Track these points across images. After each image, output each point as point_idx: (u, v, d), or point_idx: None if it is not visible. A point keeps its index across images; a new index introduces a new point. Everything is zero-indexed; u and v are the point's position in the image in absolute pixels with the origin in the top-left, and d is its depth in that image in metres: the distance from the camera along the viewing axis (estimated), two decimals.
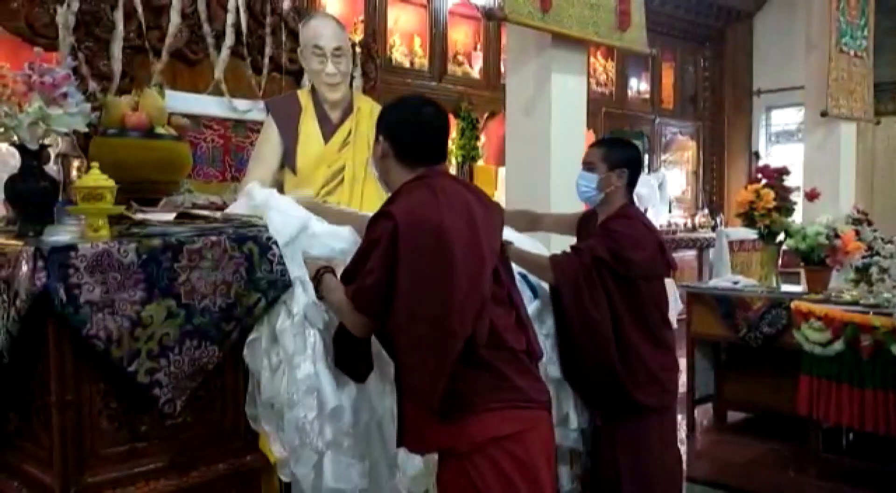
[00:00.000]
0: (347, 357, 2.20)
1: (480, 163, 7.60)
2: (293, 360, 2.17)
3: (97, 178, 2.09)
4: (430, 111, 2.15)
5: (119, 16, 3.21)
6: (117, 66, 3.20)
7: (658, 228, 9.31)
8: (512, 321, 2.13)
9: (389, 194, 2.18)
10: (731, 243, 6.32)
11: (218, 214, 2.44)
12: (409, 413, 2.11)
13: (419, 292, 1.96)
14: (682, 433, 4.99)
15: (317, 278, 2.20)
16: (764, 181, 4.74)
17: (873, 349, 3.78)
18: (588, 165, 2.86)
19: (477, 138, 7.49)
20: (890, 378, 3.74)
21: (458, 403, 1.99)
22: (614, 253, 2.68)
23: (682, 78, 10.35)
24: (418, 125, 2.13)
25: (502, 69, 7.54)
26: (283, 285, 2.25)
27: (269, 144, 2.97)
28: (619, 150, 2.88)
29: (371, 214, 2.18)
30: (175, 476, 2.12)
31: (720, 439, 4.94)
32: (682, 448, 4.44)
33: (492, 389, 2.02)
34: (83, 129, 2.33)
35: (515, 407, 2.04)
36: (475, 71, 7.78)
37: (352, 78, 3.25)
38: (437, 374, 1.96)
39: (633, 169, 2.88)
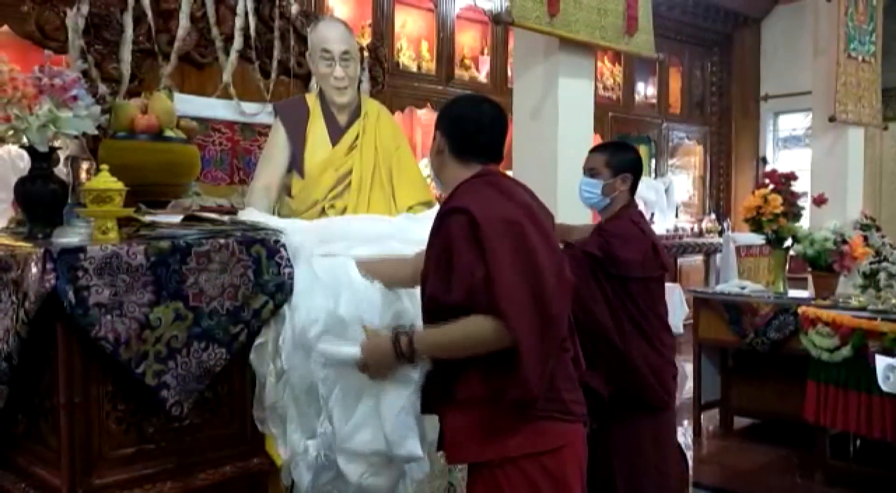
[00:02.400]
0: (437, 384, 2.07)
1: None
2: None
3: (106, 180, 2.10)
4: (489, 109, 2.11)
5: (128, 19, 3.22)
6: (126, 70, 3.21)
7: (665, 231, 9.35)
8: (568, 326, 2.06)
9: (443, 191, 2.13)
10: (738, 249, 6.32)
11: (226, 217, 2.45)
12: (452, 421, 2.03)
13: (520, 281, 1.85)
14: (688, 438, 4.98)
15: (406, 340, 2.00)
16: (771, 186, 4.73)
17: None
18: (591, 171, 2.87)
19: None
20: None
21: (502, 407, 1.90)
22: (604, 251, 2.71)
23: (689, 83, 10.34)
24: (476, 122, 2.08)
25: (509, 73, 7.54)
26: (290, 288, 2.25)
27: (277, 148, 2.97)
28: (621, 155, 2.89)
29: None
30: (182, 479, 2.13)
31: (727, 444, 4.92)
32: (689, 454, 4.43)
33: (542, 398, 1.91)
34: (92, 131, 2.34)
35: (556, 420, 1.97)
36: (482, 75, 7.78)
37: (359, 82, 3.25)
38: (547, 361, 1.88)
39: (636, 173, 2.89)
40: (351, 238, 2.47)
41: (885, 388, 1.95)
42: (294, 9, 3.84)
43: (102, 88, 3.10)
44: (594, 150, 2.98)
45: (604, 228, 2.81)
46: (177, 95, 3.32)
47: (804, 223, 4.92)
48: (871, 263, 4.46)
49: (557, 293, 1.91)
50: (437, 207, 3.05)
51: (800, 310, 4.23)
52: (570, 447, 1.99)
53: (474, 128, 2.08)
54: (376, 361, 2.05)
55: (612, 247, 2.71)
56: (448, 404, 2.03)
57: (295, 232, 2.39)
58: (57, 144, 2.28)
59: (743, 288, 4.94)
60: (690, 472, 3.50)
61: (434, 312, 1.99)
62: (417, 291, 2.28)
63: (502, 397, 1.88)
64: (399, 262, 2.33)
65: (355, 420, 2.17)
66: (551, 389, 1.93)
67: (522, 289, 1.85)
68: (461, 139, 2.08)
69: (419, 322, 2.28)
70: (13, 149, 4.39)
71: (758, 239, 5.13)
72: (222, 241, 2.16)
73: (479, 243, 1.87)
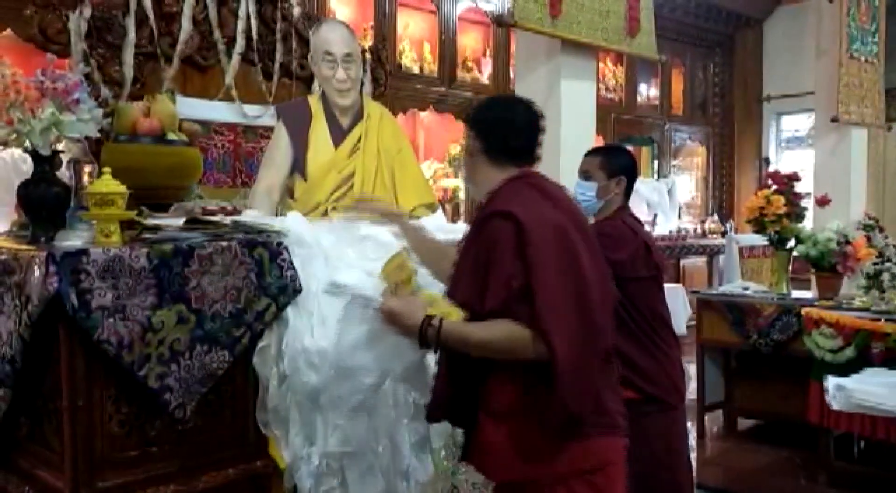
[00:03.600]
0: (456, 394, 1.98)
1: None
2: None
3: (109, 183, 2.10)
4: (522, 110, 2.05)
5: (131, 22, 3.22)
6: (129, 73, 3.21)
7: (668, 233, 9.34)
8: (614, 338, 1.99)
9: (477, 194, 2.08)
10: (741, 250, 6.31)
11: (228, 220, 2.45)
12: (491, 435, 1.92)
13: (563, 291, 1.79)
14: (692, 439, 4.97)
15: (436, 327, 1.87)
16: (774, 187, 4.73)
17: (884, 356, 3.76)
18: (585, 174, 2.87)
19: None
20: None
21: (544, 424, 1.81)
22: None
23: (691, 84, 10.33)
24: (509, 123, 2.02)
25: (512, 75, 7.53)
26: (293, 290, 2.26)
27: (279, 150, 2.97)
28: (616, 157, 2.90)
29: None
30: (185, 481, 2.13)
31: (730, 446, 4.92)
32: (693, 455, 4.43)
33: (589, 412, 1.83)
34: (95, 134, 2.34)
35: (605, 434, 1.89)
36: (484, 77, 7.78)
37: (362, 84, 3.25)
38: (593, 376, 1.81)
39: (631, 176, 2.89)
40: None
41: (834, 407, 1.96)
42: (296, 11, 3.84)
43: (105, 91, 3.10)
44: (589, 153, 2.98)
45: (595, 230, 2.81)
46: (179, 98, 3.32)
47: (807, 224, 4.91)
48: (874, 263, 4.45)
49: (602, 303, 1.85)
50: (440, 211, 3.08)
51: (803, 311, 4.22)
52: (619, 463, 1.92)
53: (508, 130, 2.02)
54: (400, 320, 1.93)
55: (603, 248, 2.70)
56: (480, 415, 1.93)
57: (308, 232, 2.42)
58: (59, 147, 2.28)
59: (746, 289, 4.93)
60: (694, 473, 3.49)
61: (474, 318, 1.89)
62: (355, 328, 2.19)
63: (542, 414, 1.80)
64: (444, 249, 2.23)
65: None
66: (599, 402, 1.86)
67: (567, 300, 1.79)
68: (494, 141, 2.02)
69: None
70: (16, 152, 4.38)
71: (761, 240, 5.12)
72: (225, 243, 2.16)
73: (523, 250, 1.79)
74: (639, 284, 2.75)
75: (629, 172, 2.88)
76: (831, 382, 2.00)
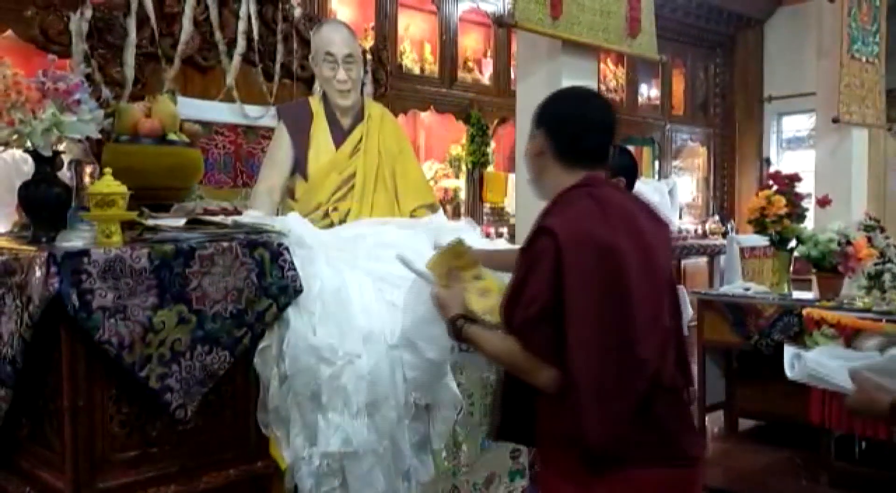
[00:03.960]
0: (514, 415, 1.94)
1: (490, 169, 7.60)
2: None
3: (110, 184, 2.11)
4: (599, 105, 1.89)
5: (132, 23, 3.23)
6: (130, 73, 3.22)
7: None
8: (678, 359, 1.84)
9: (542, 197, 1.94)
10: (742, 250, 6.29)
11: (229, 220, 2.45)
12: (551, 471, 1.86)
13: (595, 319, 1.67)
14: None
15: (458, 328, 1.95)
16: (775, 188, 4.72)
17: None
18: None
19: (487, 145, 7.50)
20: None
21: (618, 454, 1.70)
22: None
23: (692, 84, 10.32)
24: (585, 121, 1.86)
25: (512, 76, 7.53)
26: (293, 290, 2.26)
27: (280, 151, 2.98)
28: (616, 158, 2.89)
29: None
30: (185, 482, 2.13)
31: (731, 446, 4.91)
32: None
33: (646, 441, 1.73)
34: (96, 135, 2.34)
35: (668, 465, 1.75)
36: (485, 77, 7.78)
37: (362, 84, 3.25)
38: (621, 410, 1.68)
39: (630, 176, 2.88)
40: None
41: (790, 376, 1.95)
42: (297, 12, 3.85)
43: (106, 92, 3.11)
44: None
45: None
46: (180, 99, 3.33)
47: (808, 224, 4.90)
48: (875, 264, 4.44)
49: (650, 331, 1.71)
50: (440, 212, 3.08)
51: (804, 311, 4.22)
52: None
53: (582, 128, 1.85)
54: (442, 311, 2.02)
55: None
56: (531, 435, 1.90)
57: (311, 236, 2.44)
58: (60, 147, 2.29)
59: (747, 290, 4.92)
60: None
61: (506, 330, 1.85)
62: (421, 305, 2.27)
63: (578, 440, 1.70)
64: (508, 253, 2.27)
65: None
66: (660, 431, 1.75)
67: (598, 331, 1.67)
68: (567, 141, 1.85)
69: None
70: (17, 153, 4.38)
71: (762, 240, 5.11)
72: (225, 244, 2.16)
73: (559, 272, 1.68)
74: None
75: (629, 172, 2.87)
76: (788, 351, 1.99)
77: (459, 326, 1.95)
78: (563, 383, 1.71)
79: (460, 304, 2.00)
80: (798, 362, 1.94)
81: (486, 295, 2.06)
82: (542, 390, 1.76)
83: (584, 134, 1.86)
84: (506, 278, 2.03)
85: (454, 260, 2.14)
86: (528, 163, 1.97)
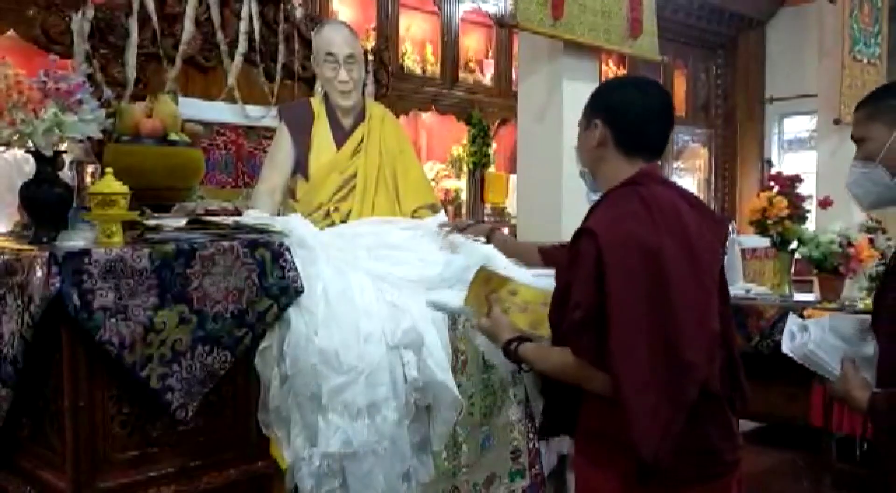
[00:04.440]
0: (559, 409, 1.95)
1: (492, 170, 7.60)
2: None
3: (111, 184, 2.11)
4: (659, 93, 1.84)
5: (133, 23, 3.23)
6: (131, 73, 3.22)
7: None
8: (726, 363, 1.82)
9: (596, 190, 1.91)
10: (743, 251, 6.29)
11: (230, 220, 2.45)
12: (599, 478, 1.78)
13: (639, 322, 1.61)
14: None
15: (513, 351, 1.91)
16: (776, 189, 4.72)
17: None
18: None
19: (488, 145, 7.50)
20: None
21: (644, 469, 1.64)
22: None
23: (693, 85, 10.32)
24: (647, 109, 1.80)
25: (514, 76, 7.53)
26: (295, 291, 2.26)
27: (281, 151, 2.98)
28: None
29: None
30: (186, 482, 2.13)
31: None
32: None
33: (686, 452, 1.66)
34: (97, 135, 2.34)
35: (706, 477, 1.74)
36: (487, 78, 7.78)
37: (364, 85, 3.26)
38: (671, 418, 1.61)
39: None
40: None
41: (785, 348, 1.89)
42: (298, 12, 3.85)
43: (107, 92, 3.11)
44: None
45: None
46: (181, 99, 3.33)
47: (809, 226, 4.91)
48: (876, 265, 4.44)
49: (697, 336, 1.65)
50: (442, 212, 3.08)
51: (805, 313, 4.22)
52: None
53: (645, 118, 1.79)
54: (492, 340, 1.99)
55: None
56: (573, 431, 1.89)
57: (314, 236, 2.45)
58: (62, 147, 2.28)
59: (748, 291, 4.92)
60: None
61: (556, 337, 1.83)
62: (421, 306, 2.33)
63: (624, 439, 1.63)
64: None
65: None
66: (702, 441, 1.71)
67: (643, 335, 1.61)
68: (630, 131, 1.79)
69: (428, 338, 2.32)
70: (18, 153, 4.38)
71: (763, 242, 5.11)
72: (226, 244, 2.16)
73: (601, 274, 1.63)
74: None
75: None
76: (792, 321, 1.91)
77: (514, 349, 1.89)
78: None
79: (507, 327, 1.96)
80: (799, 337, 1.85)
81: (527, 309, 2.03)
82: (602, 396, 1.70)
83: (646, 123, 1.81)
84: (537, 281, 2.12)
85: (485, 286, 2.09)
86: (581, 154, 1.91)
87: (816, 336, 1.82)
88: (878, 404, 1.62)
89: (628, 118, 1.81)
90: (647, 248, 1.64)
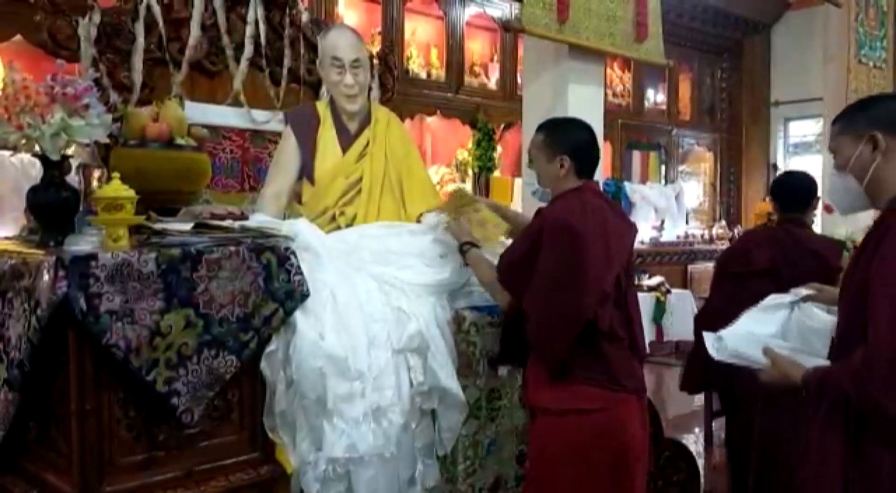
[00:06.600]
0: (510, 344, 2.58)
1: (497, 174, 7.61)
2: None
3: (117, 188, 2.11)
4: (593, 133, 2.53)
5: (140, 28, 3.23)
6: (138, 78, 3.22)
7: (675, 238, 9.31)
8: (623, 319, 2.41)
9: (547, 201, 2.54)
10: None
11: (236, 224, 2.46)
12: (529, 374, 2.45)
13: (554, 276, 2.29)
14: (699, 446, 4.95)
15: (462, 251, 2.58)
16: None
17: None
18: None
19: (493, 149, 7.50)
20: None
21: (564, 371, 2.31)
22: None
23: (699, 89, 10.32)
24: (593, 144, 2.50)
25: (519, 80, 7.54)
26: (300, 295, 2.26)
27: (287, 155, 2.98)
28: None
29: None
30: (192, 486, 2.13)
31: None
32: (700, 462, 4.40)
33: (591, 368, 2.32)
34: (104, 139, 2.35)
35: (604, 388, 2.32)
36: (492, 82, 7.79)
37: (369, 89, 3.26)
38: (560, 344, 2.28)
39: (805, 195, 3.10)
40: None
41: (717, 358, 2.08)
42: (304, 17, 3.85)
43: (114, 97, 3.12)
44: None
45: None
46: (188, 103, 3.33)
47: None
48: None
49: (592, 287, 2.29)
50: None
51: None
52: (616, 409, 2.33)
53: (592, 151, 2.53)
54: (453, 233, 2.62)
55: None
56: (523, 361, 2.51)
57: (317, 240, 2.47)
58: (69, 152, 2.29)
59: None
60: (703, 480, 3.48)
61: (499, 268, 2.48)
62: (426, 311, 2.44)
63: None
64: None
65: None
66: (603, 364, 2.32)
67: (552, 279, 2.29)
68: (585, 160, 2.49)
69: (434, 343, 2.34)
70: (25, 157, 4.42)
71: None
72: (233, 248, 2.17)
73: (538, 243, 2.32)
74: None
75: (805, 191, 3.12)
76: (708, 337, 2.11)
77: (465, 250, 2.57)
78: (514, 307, 2.41)
79: (466, 233, 2.61)
80: (720, 344, 2.08)
81: (484, 225, 2.65)
82: (500, 308, 2.54)
83: (593, 154, 2.52)
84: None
85: (459, 201, 2.75)
86: (544, 180, 2.55)
87: (732, 338, 2.08)
88: (810, 380, 1.86)
89: (586, 154, 2.48)
90: (574, 228, 2.30)
